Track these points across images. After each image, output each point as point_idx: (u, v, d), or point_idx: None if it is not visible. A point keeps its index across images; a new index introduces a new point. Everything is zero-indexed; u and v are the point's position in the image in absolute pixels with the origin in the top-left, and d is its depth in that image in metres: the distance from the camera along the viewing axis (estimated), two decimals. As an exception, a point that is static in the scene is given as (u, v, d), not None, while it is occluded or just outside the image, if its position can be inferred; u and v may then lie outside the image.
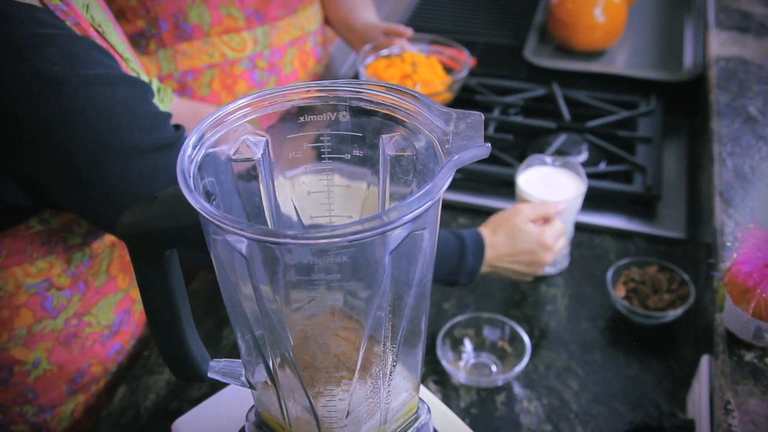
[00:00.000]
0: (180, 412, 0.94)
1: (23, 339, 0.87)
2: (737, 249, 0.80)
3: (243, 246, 0.45)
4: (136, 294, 1.00)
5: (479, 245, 0.96)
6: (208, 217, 0.43)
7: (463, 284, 0.98)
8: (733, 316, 0.81)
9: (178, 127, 0.81)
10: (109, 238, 0.93)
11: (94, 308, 0.93)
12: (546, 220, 1.02)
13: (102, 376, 0.99)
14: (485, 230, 0.99)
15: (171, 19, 1.24)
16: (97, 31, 0.84)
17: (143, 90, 0.77)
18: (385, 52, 1.43)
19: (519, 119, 1.41)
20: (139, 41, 1.26)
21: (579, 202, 1.07)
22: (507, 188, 1.27)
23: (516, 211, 1.01)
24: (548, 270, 1.12)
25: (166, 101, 0.98)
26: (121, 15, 1.24)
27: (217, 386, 0.96)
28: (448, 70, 1.44)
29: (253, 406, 0.62)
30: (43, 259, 0.85)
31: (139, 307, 1.02)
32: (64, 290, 0.89)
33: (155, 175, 0.76)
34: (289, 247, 0.44)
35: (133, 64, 0.91)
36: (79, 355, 0.93)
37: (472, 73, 1.48)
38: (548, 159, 1.10)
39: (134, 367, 1.01)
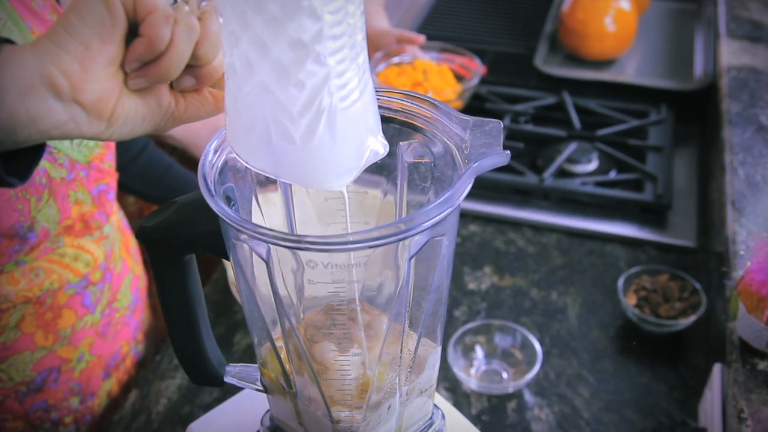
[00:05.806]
0: (192, 417, 0.94)
1: (68, 339, 0.90)
2: (750, 258, 0.80)
3: (263, 251, 0.45)
4: (139, 270, 1.06)
5: None
6: (230, 222, 0.44)
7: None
8: (747, 324, 0.81)
9: None
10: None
11: (118, 293, 0.97)
12: None
13: (128, 354, 1.03)
14: None
15: None
16: None
17: None
18: (396, 59, 1.43)
19: (529, 127, 1.41)
20: None
21: None
22: (517, 196, 1.27)
23: None
24: None
25: None
26: None
27: (228, 392, 0.96)
28: (459, 78, 1.44)
29: (268, 411, 0.62)
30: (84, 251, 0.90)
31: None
32: (98, 284, 0.92)
33: None
34: (310, 252, 0.45)
35: None
36: (112, 341, 0.98)
37: (483, 81, 1.49)
38: None
39: (146, 372, 1.02)
